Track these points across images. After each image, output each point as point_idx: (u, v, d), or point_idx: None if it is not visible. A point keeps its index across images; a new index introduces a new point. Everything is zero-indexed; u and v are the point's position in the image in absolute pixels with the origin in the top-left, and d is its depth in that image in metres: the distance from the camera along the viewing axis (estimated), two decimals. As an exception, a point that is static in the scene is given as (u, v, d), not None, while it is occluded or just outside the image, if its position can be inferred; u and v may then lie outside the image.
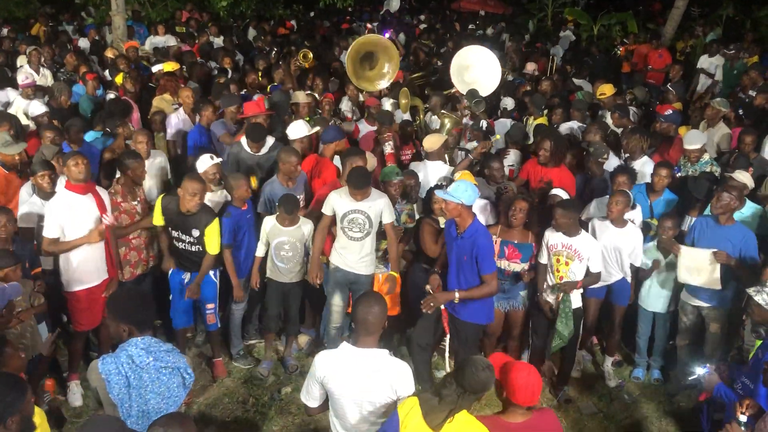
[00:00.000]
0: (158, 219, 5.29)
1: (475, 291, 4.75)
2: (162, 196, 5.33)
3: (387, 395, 3.24)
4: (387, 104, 8.07)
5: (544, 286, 5.33)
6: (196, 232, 5.17)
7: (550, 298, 5.29)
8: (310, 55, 10.00)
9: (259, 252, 5.59)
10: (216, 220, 5.19)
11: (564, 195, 5.65)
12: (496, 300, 5.24)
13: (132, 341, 3.20)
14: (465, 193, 4.59)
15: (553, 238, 5.24)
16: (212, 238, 5.18)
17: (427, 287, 4.96)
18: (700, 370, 4.30)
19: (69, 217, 4.86)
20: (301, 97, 7.63)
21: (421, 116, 8.08)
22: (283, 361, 5.84)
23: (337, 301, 5.53)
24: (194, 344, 6.08)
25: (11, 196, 5.50)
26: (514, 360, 3.35)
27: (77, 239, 4.89)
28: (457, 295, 4.76)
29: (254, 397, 5.44)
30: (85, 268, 5.01)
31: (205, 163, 5.53)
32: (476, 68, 8.45)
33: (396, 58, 8.52)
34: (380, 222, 5.33)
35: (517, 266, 5.33)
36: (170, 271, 5.40)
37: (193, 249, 5.25)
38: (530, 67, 10.89)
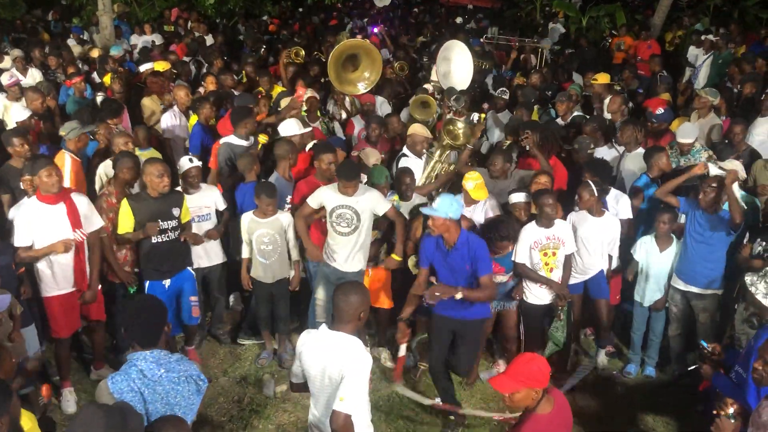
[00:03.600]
0: (128, 225, 5.14)
1: (478, 293, 4.63)
2: (124, 200, 5.16)
3: (339, 374, 3.33)
4: (384, 106, 8.10)
5: (534, 288, 5.35)
6: (177, 211, 5.26)
7: (545, 296, 5.35)
8: (302, 52, 9.95)
9: (244, 253, 5.60)
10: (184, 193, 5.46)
11: (521, 197, 5.55)
12: None
13: (140, 355, 3.11)
14: (451, 207, 4.50)
15: (533, 234, 5.24)
16: (186, 208, 5.41)
17: (433, 279, 4.91)
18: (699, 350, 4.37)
19: (37, 226, 4.78)
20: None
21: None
22: (279, 357, 5.85)
23: (321, 296, 5.57)
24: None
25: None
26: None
27: (43, 248, 4.82)
28: (459, 294, 4.59)
29: (249, 396, 5.43)
30: (58, 274, 4.94)
31: (185, 164, 5.51)
32: (450, 62, 8.43)
33: (378, 65, 8.11)
34: (373, 218, 5.37)
35: (503, 277, 5.32)
36: (147, 285, 5.32)
37: (174, 236, 5.26)
38: (533, 60, 10.98)
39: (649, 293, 5.67)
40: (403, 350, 4.98)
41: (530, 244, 5.24)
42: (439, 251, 4.72)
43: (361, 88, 7.97)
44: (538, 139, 6.28)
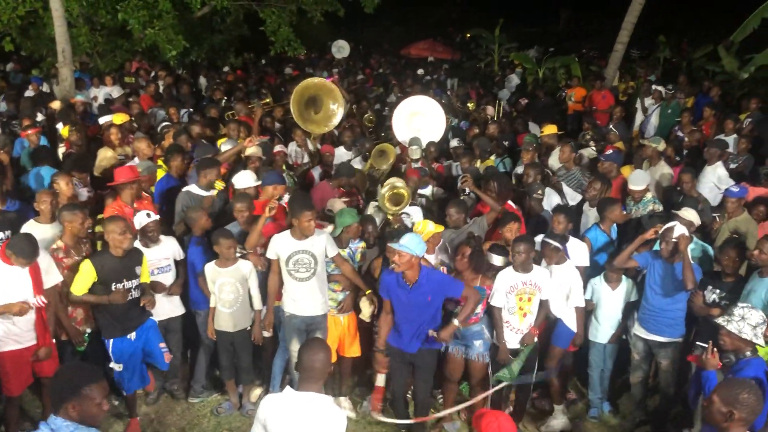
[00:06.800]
0: (85, 286, 4.97)
1: (466, 309, 4.84)
2: (86, 260, 5.00)
3: None
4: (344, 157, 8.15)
5: (505, 331, 5.32)
6: (138, 270, 5.16)
7: (514, 340, 5.33)
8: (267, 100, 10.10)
9: (212, 302, 5.54)
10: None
11: (499, 261, 5.53)
12: (451, 344, 5.28)
13: (43, 424, 2.94)
14: (419, 246, 4.66)
15: (510, 279, 5.25)
16: (146, 268, 5.30)
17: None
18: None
19: None
20: (252, 150, 7.31)
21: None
22: (241, 407, 5.78)
23: (296, 347, 5.47)
24: (146, 402, 5.88)
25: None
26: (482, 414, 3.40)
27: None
28: (456, 322, 4.81)
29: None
30: (21, 329, 4.82)
31: (143, 220, 5.44)
32: (423, 116, 8.73)
33: (339, 97, 8.42)
34: (326, 263, 5.42)
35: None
36: (111, 343, 5.14)
37: (136, 294, 5.13)
38: (490, 111, 11.26)
39: (603, 331, 5.74)
40: (381, 380, 5.22)
41: (506, 289, 5.26)
42: (401, 288, 4.78)
43: (334, 123, 8.13)
44: (495, 186, 6.42)
